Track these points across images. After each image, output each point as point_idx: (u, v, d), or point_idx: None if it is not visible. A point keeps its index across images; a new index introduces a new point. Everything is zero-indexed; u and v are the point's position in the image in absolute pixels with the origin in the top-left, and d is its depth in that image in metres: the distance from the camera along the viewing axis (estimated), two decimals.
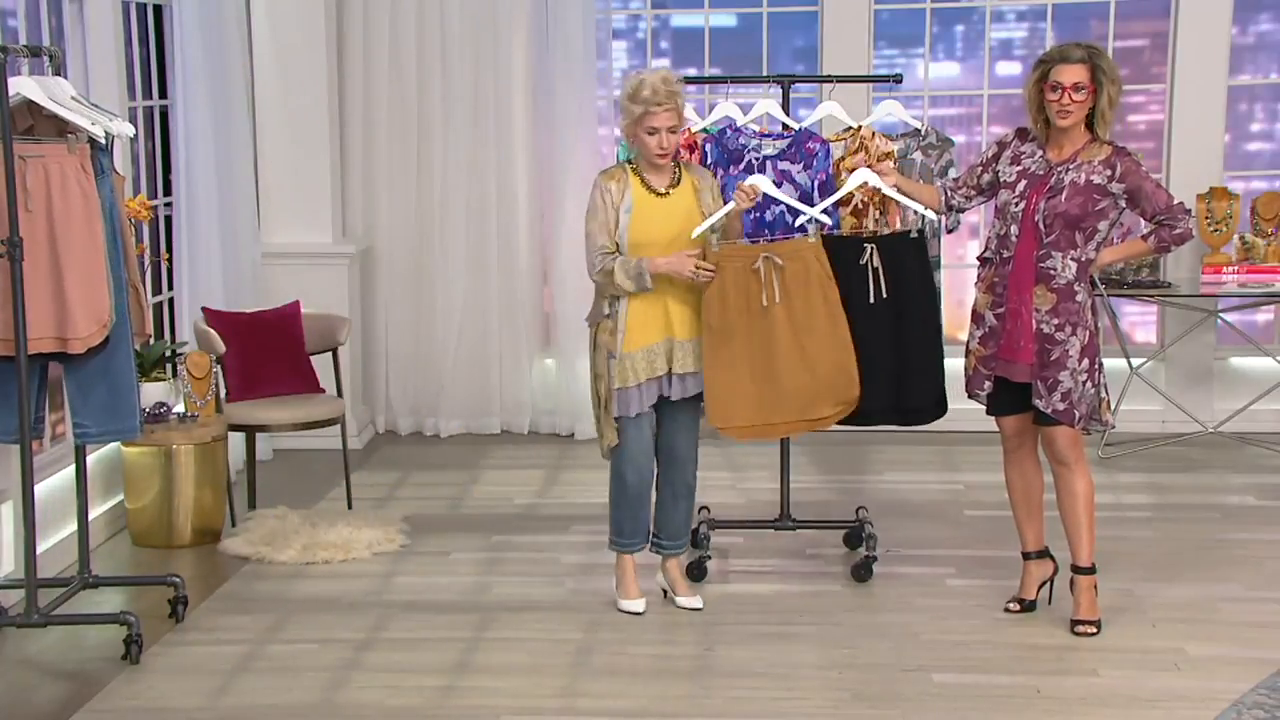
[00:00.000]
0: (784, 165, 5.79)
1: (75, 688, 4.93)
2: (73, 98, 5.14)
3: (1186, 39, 8.02)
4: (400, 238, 8.22)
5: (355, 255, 8.01)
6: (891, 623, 5.43)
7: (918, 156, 5.98)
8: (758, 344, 5.38)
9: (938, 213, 5.56)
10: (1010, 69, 8.60)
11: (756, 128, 6.03)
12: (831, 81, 6.23)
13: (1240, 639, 5.24)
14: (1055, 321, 5.15)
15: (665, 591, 5.65)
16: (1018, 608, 5.49)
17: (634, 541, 5.55)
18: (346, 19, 8.05)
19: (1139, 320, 8.65)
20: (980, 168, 5.40)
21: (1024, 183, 5.21)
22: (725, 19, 8.56)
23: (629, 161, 5.40)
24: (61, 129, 5.09)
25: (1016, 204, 5.20)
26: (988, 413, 5.41)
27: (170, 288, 7.25)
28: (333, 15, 7.93)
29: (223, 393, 6.68)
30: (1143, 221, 5.33)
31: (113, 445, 6.36)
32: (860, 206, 5.80)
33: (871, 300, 5.49)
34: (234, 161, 7.40)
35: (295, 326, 6.92)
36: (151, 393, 6.41)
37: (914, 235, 5.55)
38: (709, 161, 5.83)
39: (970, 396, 5.41)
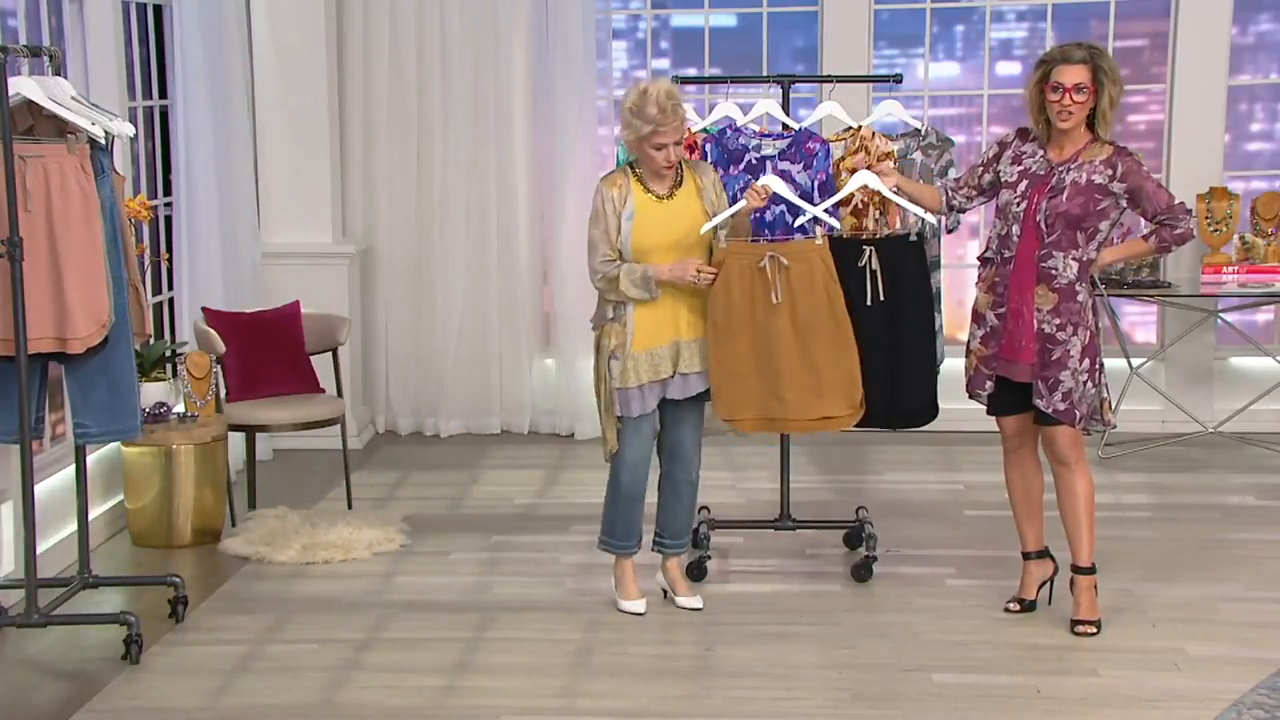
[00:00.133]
0: (784, 165, 5.79)
1: (75, 688, 4.93)
2: (73, 98, 5.14)
3: (1186, 39, 8.02)
4: (400, 238, 8.22)
5: (355, 255, 8.01)
6: (891, 623, 5.43)
7: (918, 156, 5.98)
8: (761, 342, 5.39)
9: (938, 213, 5.56)
10: (1010, 69, 8.60)
11: (756, 128, 6.03)
12: (831, 81, 6.23)
13: (1240, 639, 5.24)
14: (1056, 321, 5.15)
15: (665, 591, 5.65)
16: (1018, 608, 5.49)
17: (626, 544, 5.54)
18: (346, 19, 8.05)
19: (1139, 320, 8.65)
20: (981, 168, 5.40)
21: (1025, 182, 5.21)
22: (725, 19, 8.56)
23: (631, 165, 5.40)
24: (61, 129, 5.09)
25: (1018, 204, 5.20)
26: (988, 412, 5.41)
27: (170, 288, 7.25)
28: (333, 15, 7.93)
29: (223, 393, 6.68)
30: (1143, 221, 5.34)
31: (113, 445, 6.36)
32: (860, 206, 5.80)
33: (868, 302, 5.49)
34: (234, 161, 7.40)
35: (295, 326, 6.92)
36: (151, 393, 6.41)
37: (913, 238, 5.55)
38: (709, 161, 5.82)
39: (971, 396, 5.41)
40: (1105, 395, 5.28)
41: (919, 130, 6.04)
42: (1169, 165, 8.10)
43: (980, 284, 5.35)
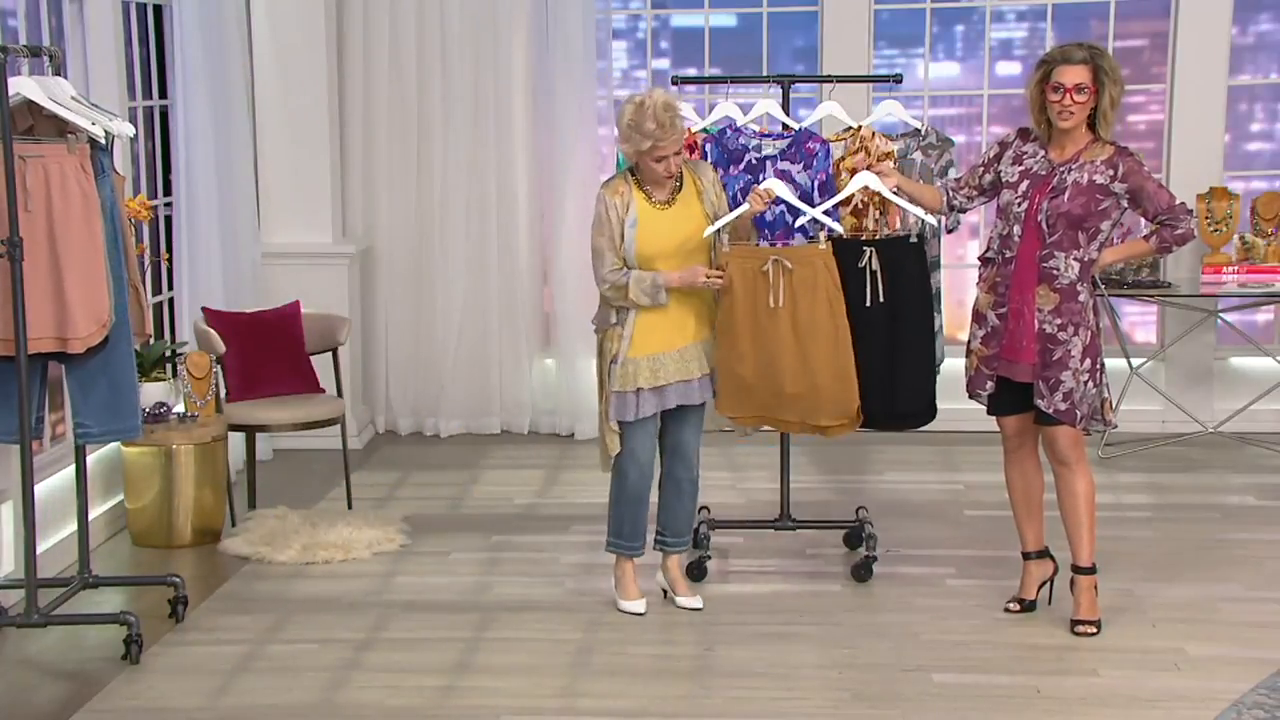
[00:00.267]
0: (784, 165, 5.79)
1: (75, 688, 4.93)
2: (73, 98, 5.14)
3: (1186, 39, 8.01)
4: (400, 238, 8.22)
5: (355, 255, 8.01)
6: (891, 623, 5.43)
7: (918, 156, 5.98)
8: (762, 345, 5.40)
9: (939, 213, 5.56)
10: (1010, 69, 8.60)
11: (756, 128, 6.03)
12: (831, 81, 6.23)
13: (1240, 639, 5.24)
14: (1058, 321, 5.15)
15: (665, 591, 5.65)
16: (1018, 608, 5.49)
17: (633, 545, 5.54)
18: (346, 19, 8.05)
19: (1139, 320, 8.65)
20: (982, 168, 5.40)
21: (1026, 183, 5.21)
22: (725, 19, 8.56)
23: (631, 171, 5.38)
24: (61, 129, 5.08)
25: (1019, 204, 5.20)
26: (989, 412, 5.41)
27: (170, 288, 7.25)
28: (333, 15, 7.93)
29: (223, 393, 6.68)
30: (1143, 221, 5.34)
31: (113, 445, 6.36)
32: (860, 206, 5.80)
33: (868, 304, 5.49)
34: (234, 161, 7.40)
35: (295, 326, 6.92)
36: (151, 393, 6.41)
37: (913, 240, 5.55)
38: (708, 161, 5.82)
39: (971, 396, 5.41)
40: (1106, 395, 5.28)
41: (919, 130, 6.04)
42: (1169, 165, 8.10)
43: (981, 284, 5.35)
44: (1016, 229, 5.21)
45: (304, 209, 7.92)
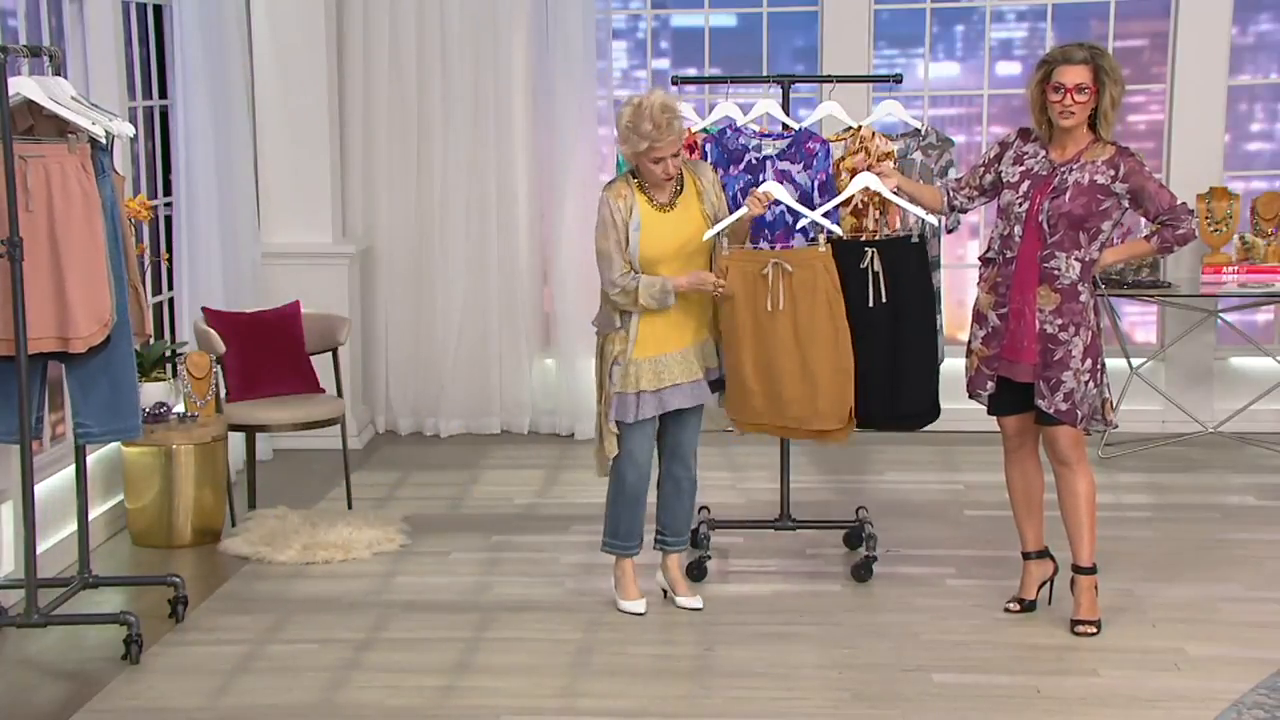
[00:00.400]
0: (784, 165, 5.79)
1: (75, 688, 4.93)
2: (73, 98, 5.14)
3: (1186, 39, 8.02)
4: (400, 238, 8.22)
5: (355, 255, 8.01)
6: (891, 623, 5.43)
7: (918, 156, 5.98)
8: (761, 348, 5.40)
9: (939, 214, 5.56)
10: (1010, 69, 8.60)
11: (756, 128, 6.03)
12: (831, 81, 6.23)
13: (1240, 639, 5.24)
14: (1059, 322, 5.15)
15: (665, 591, 5.65)
16: (1018, 608, 5.49)
17: (629, 545, 5.54)
18: (346, 19, 8.05)
19: (1139, 320, 8.65)
20: (982, 168, 5.40)
21: (1027, 183, 5.21)
22: (725, 19, 8.56)
23: (632, 173, 5.38)
24: (62, 129, 5.08)
25: (1020, 204, 5.20)
26: (989, 412, 5.41)
27: (170, 288, 7.25)
28: (333, 15, 7.93)
29: (223, 393, 6.68)
30: (1143, 221, 5.34)
31: (113, 445, 6.36)
32: (860, 206, 5.80)
33: (870, 304, 5.49)
34: (234, 161, 7.40)
35: (295, 326, 6.92)
36: (151, 393, 6.41)
37: (915, 240, 5.55)
38: (708, 161, 5.82)
39: (972, 396, 5.41)
40: (1107, 395, 5.28)
41: (919, 130, 6.04)
42: (1169, 165, 8.10)
43: (982, 284, 5.35)
44: (1017, 229, 5.21)
45: (304, 209, 7.92)
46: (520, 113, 8.16)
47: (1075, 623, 5.30)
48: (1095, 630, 5.27)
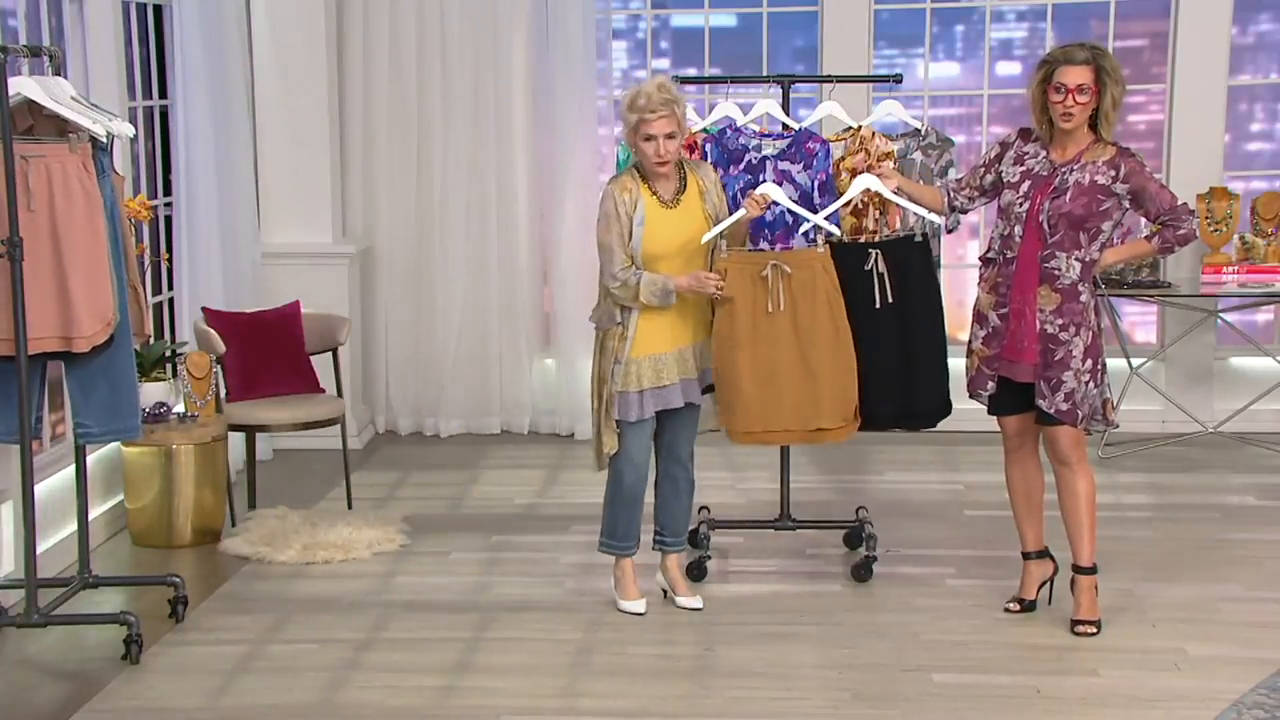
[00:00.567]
0: (784, 165, 5.79)
1: (75, 688, 4.93)
2: (73, 98, 5.14)
3: (1186, 39, 8.02)
4: (400, 238, 8.22)
5: (355, 255, 8.01)
6: (891, 623, 5.43)
7: (918, 156, 5.98)
8: (761, 351, 5.39)
9: (940, 214, 5.56)
10: (1010, 69, 8.60)
11: (756, 128, 6.03)
12: (831, 81, 6.23)
13: (1240, 639, 5.24)
14: (1059, 322, 5.15)
15: (665, 591, 5.65)
16: (1018, 608, 5.49)
17: (626, 545, 5.54)
18: (346, 19, 8.05)
19: (1139, 320, 8.65)
20: (983, 168, 5.40)
21: (1028, 183, 5.21)
22: (725, 19, 8.56)
23: (636, 168, 5.38)
24: (62, 129, 5.08)
25: (1020, 204, 5.20)
26: (989, 412, 5.41)
27: (170, 288, 7.25)
28: (333, 15, 7.93)
29: (223, 393, 6.68)
30: (1143, 221, 5.34)
31: (113, 445, 6.36)
32: (860, 206, 5.80)
33: (877, 305, 5.49)
34: (234, 161, 7.40)
35: (295, 326, 6.92)
36: (151, 393, 6.41)
37: (918, 239, 5.55)
38: (708, 161, 5.82)
39: (972, 396, 5.41)
40: (1107, 395, 5.28)
41: (919, 130, 6.05)
42: (1169, 165, 8.10)
43: (982, 284, 5.35)
44: (1018, 229, 5.21)
45: (304, 209, 7.92)
46: (520, 113, 8.16)
47: (1075, 623, 5.30)
48: (1095, 630, 5.27)
